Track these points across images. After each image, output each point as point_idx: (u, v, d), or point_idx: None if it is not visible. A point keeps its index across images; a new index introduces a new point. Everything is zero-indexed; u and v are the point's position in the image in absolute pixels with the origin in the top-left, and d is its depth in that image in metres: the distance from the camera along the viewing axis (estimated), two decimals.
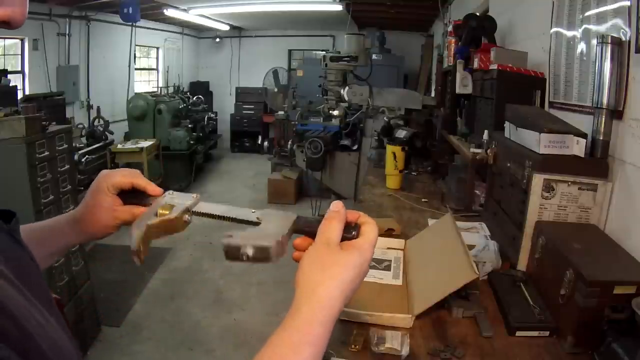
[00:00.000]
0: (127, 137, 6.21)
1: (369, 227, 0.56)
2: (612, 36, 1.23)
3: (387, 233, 1.73)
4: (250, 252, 0.53)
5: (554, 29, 1.75)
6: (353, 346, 1.05)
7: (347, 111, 4.46)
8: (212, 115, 8.10)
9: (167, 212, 0.61)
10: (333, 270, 0.51)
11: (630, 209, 1.19)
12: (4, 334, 0.34)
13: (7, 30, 0.44)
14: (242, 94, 9.03)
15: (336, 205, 0.56)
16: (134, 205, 0.68)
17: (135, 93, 6.67)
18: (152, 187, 0.68)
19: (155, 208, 0.62)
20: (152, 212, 0.62)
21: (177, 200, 0.63)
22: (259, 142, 8.95)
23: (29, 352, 0.36)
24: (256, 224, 0.59)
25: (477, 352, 1.05)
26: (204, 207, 0.63)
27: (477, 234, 1.69)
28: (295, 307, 0.50)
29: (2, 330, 0.34)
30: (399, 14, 6.25)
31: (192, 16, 6.95)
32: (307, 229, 0.58)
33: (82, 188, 3.38)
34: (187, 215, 0.61)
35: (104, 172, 0.70)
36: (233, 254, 0.54)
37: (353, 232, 0.56)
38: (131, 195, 0.68)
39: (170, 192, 0.66)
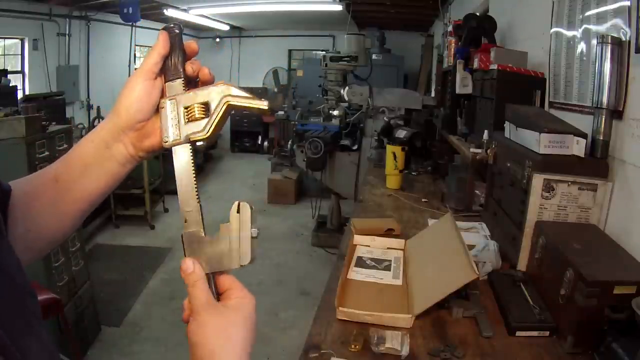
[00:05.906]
0: None
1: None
2: (612, 36, 1.23)
3: (387, 233, 1.73)
4: None
5: (554, 29, 1.75)
6: (353, 346, 1.05)
7: (347, 111, 4.47)
8: None
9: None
10: (230, 332, 0.49)
11: (630, 209, 1.19)
12: None
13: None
14: None
15: (186, 265, 0.51)
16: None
17: None
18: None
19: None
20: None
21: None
22: (259, 142, 8.95)
23: None
24: None
25: (477, 352, 1.05)
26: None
27: (477, 234, 1.69)
28: None
29: None
30: (399, 14, 6.25)
31: (192, 16, 6.94)
32: None
33: None
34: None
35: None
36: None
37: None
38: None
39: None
